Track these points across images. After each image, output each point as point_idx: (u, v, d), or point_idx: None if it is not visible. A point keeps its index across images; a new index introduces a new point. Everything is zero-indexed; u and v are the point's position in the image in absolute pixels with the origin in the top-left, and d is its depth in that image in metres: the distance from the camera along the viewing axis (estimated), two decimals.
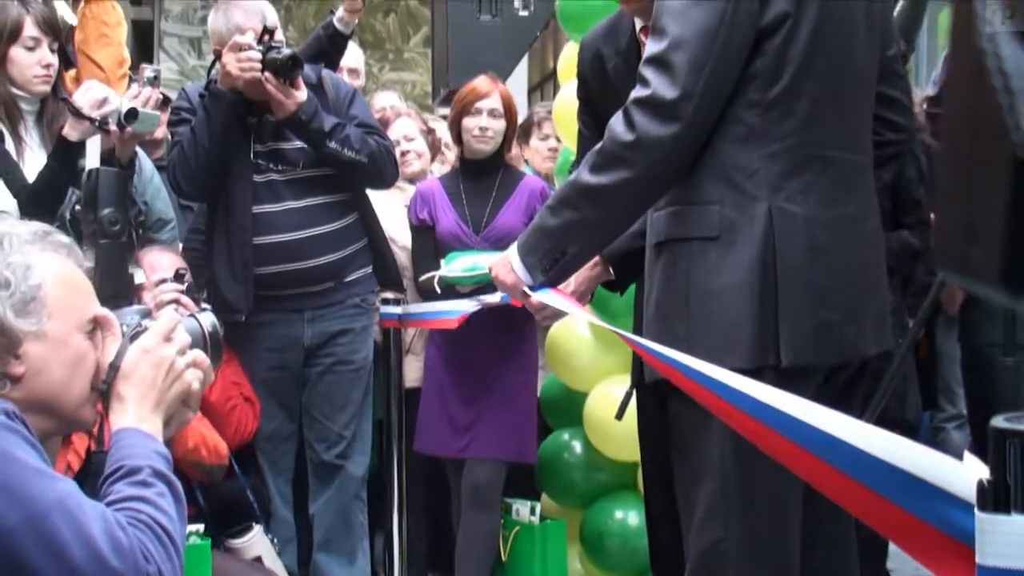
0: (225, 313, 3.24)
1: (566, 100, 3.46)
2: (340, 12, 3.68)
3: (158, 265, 3.07)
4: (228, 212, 3.30)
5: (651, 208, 1.96)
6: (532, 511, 3.55)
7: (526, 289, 2.02)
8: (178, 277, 3.03)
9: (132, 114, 2.84)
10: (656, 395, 2.07)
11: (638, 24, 2.49)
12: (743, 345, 1.82)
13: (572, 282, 2.31)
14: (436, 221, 3.53)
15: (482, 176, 3.55)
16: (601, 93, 2.58)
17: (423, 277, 3.41)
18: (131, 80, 3.28)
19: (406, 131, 4.13)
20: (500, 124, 3.52)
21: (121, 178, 2.80)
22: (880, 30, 2.03)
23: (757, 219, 1.83)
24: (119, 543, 1.32)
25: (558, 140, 4.26)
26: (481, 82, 3.57)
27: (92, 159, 2.83)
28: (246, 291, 3.29)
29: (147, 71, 3.08)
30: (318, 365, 3.43)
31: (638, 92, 1.84)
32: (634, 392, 2.56)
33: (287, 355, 3.42)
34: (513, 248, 2.05)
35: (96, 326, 1.52)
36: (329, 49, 3.72)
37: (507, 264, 2.04)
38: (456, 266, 3.31)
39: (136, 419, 1.48)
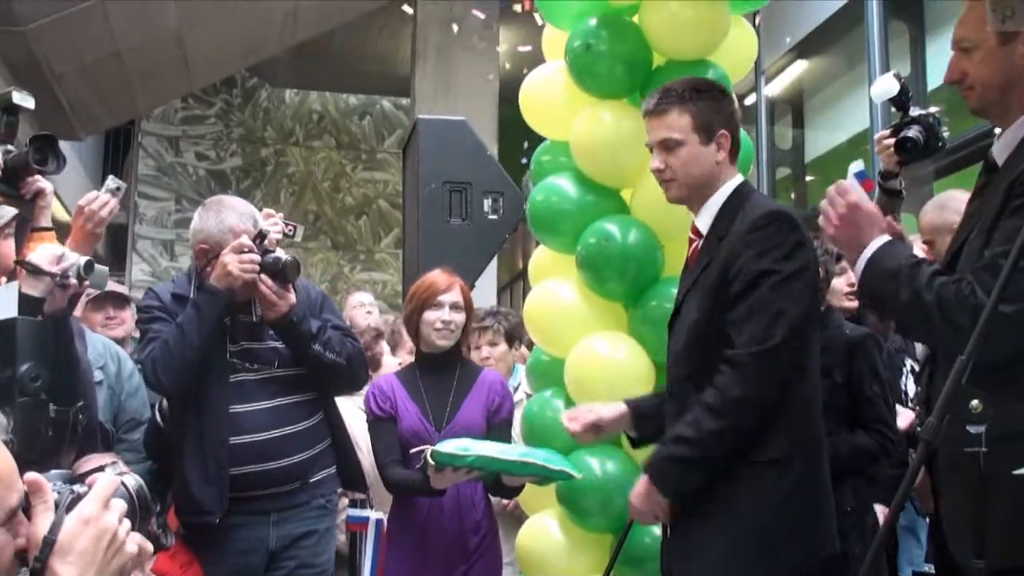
0: (194, 515, 3.23)
1: (536, 299, 3.58)
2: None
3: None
4: (201, 411, 3.24)
5: None
6: None
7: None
8: None
9: (90, 266, 2.75)
10: None
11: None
12: None
13: (604, 415, 2.86)
14: (399, 418, 3.38)
15: (441, 370, 3.44)
16: None
17: (414, 450, 3.21)
18: None
19: None
20: (461, 317, 3.45)
21: (42, 329, 2.60)
22: None
23: None
24: None
25: (491, 345, 4.34)
26: (439, 276, 3.48)
27: (7, 309, 2.57)
28: (221, 493, 3.20)
29: (110, 182, 3.05)
30: (280, 569, 3.29)
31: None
32: None
33: (251, 559, 3.28)
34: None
35: (13, 515, 1.35)
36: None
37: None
38: (448, 446, 3.07)
39: None
